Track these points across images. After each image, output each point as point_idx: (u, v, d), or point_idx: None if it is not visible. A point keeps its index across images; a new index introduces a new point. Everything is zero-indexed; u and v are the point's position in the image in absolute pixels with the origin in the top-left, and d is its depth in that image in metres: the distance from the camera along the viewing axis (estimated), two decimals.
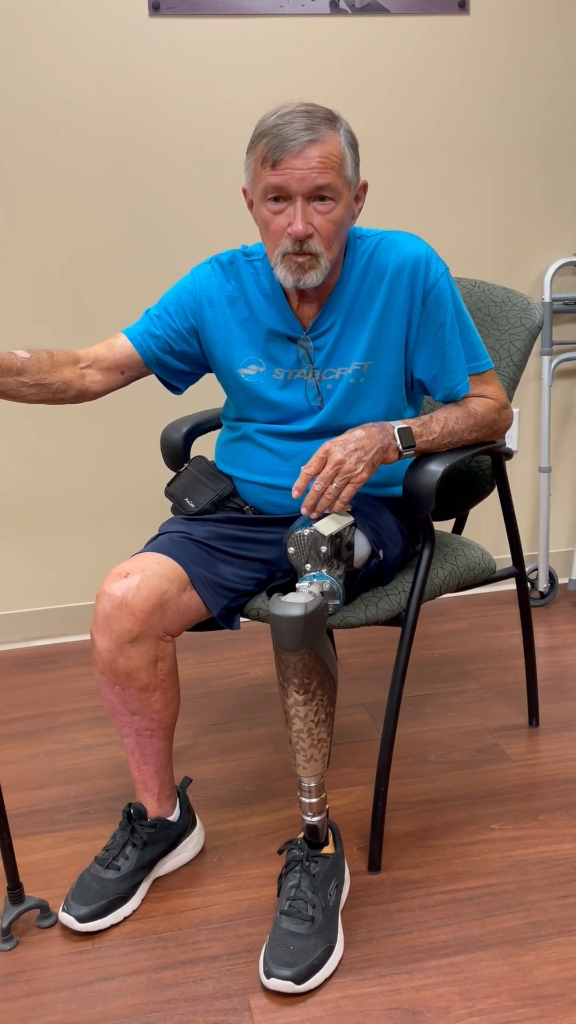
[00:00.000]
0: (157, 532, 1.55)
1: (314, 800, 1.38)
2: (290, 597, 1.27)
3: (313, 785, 1.36)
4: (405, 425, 1.41)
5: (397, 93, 2.26)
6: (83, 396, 1.53)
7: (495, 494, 1.75)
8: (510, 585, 2.48)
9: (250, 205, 1.46)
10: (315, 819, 1.40)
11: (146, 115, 2.17)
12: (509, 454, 1.68)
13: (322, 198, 1.36)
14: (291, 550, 1.36)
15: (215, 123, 2.20)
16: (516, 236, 2.42)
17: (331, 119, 1.36)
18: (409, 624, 1.49)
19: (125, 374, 1.57)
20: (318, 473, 1.34)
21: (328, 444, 1.35)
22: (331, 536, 1.34)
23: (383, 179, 2.27)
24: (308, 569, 1.35)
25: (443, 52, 2.25)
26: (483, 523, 2.45)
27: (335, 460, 1.33)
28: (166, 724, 1.48)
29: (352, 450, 1.34)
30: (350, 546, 1.40)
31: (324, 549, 1.34)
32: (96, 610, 1.39)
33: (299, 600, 1.26)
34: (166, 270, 2.22)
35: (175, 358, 1.58)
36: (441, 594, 1.59)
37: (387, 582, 1.52)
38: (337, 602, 1.35)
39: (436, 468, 1.43)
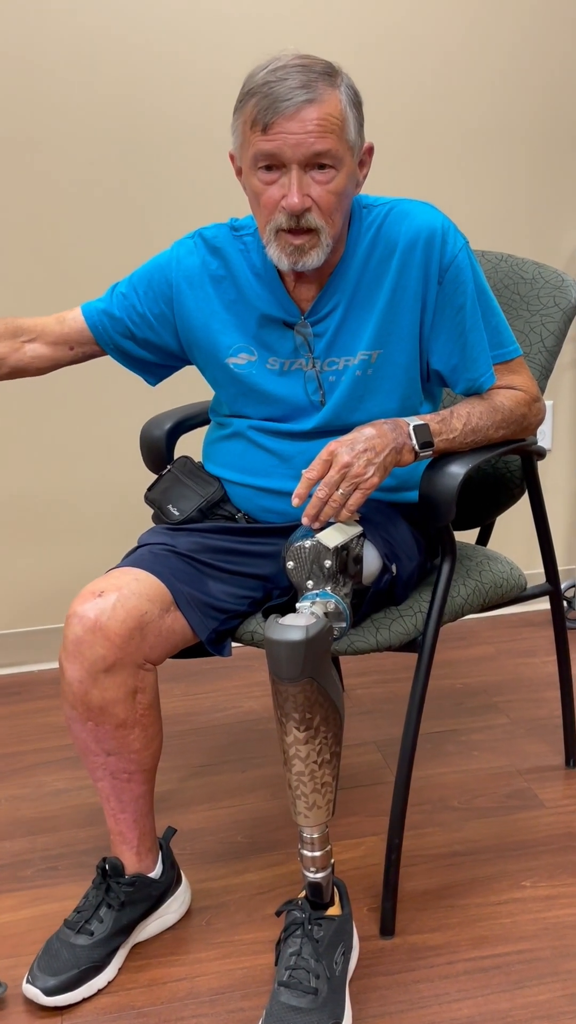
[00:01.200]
0: (136, 544, 1.55)
1: (317, 853, 1.37)
2: (289, 619, 1.27)
3: (316, 836, 1.36)
4: (422, 422, 1.41)
5: (407, 46, 2.27)
6: (21, 372, 1.55)
7: (525, 499, 1.75)
8: (543, 604, 2.48)
9: (238, 172, 1.46)
10: (319, 875, 1.39)
11: (113, 69, 2.18)
12: (541, 453, 1.68)
13: (321, 166, 1.35)
14: (290, 565, 1.35)
15: (194, 79, 2.20)
16: (545, 204, 2.43)
17: (330, 74, 1.35)
18: (427, 650, 1.48)
19: (75, 350, 1.58)
20: (322, 477, 1.34)
21: (333, 444, 1.35)
22: (336, 548, 1.33)
23: (389, 141, 2.28)
24: (310, 587, 1.35)
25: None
26: (512, 533, 2.45)
27: (341, 463, 1.33)
28: (146, 766, 1.47)
29: (361, 451, 1.34)
30: (358, 560, 1.40)
31: (328, 563, 1.33)
32: (66, 634, 1.39)
33: (299, 623, 1.26)
34: (139, 240, 2.23)
35: (137, 345, 1.59)
36: (464, 615, 1.58)
37: (401, 601, 1.52)
38: (343, 624, 1.35)
39: (457, 470, 1.43)
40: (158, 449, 1.77)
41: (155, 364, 1.63)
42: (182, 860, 1.72)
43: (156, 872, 1.54)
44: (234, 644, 1.54)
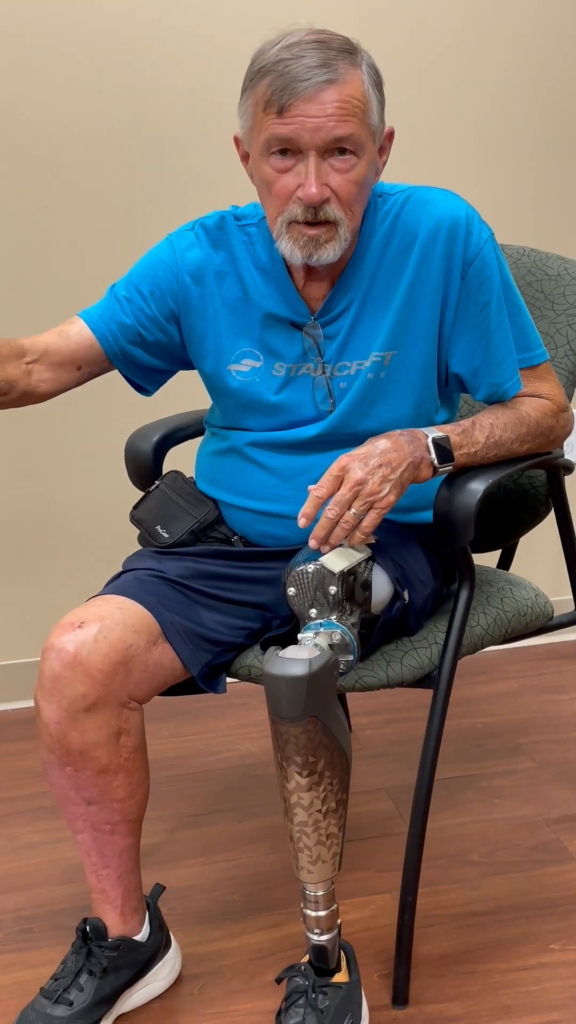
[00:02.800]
0: (120, 570, 1.56)
1: (322, 913, 1.37)
2: (290, 652, 1.27)
3: (321, 894, 1.36)
4: (441, 433, 1.41)
5: (432, 24, 2.29)
6: (28, 398, 1.53)
7: (551, 518, 1.76)
8: (572, 635, 2.48)
9: (244, 158, 1.46)
10: (324, 938, 1.39)
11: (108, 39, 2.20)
12: (569, 467, 1.69)
13: (342, 151, 1.36)
14: (292, 591, 1.36)
15: (195, 53, 2.23)
16: (567, 193, 2.44)
17: (350, 51, 1.36)
18: (443, 686, 1.49)
19: (82, 370, 1.57)
20: (332, 495, 1.34)
21: (345, 458, 1.35)
22: (342, 573, 1.34)
23: (406, 126, 2.30)
24: (313, 616, 1.35)
25: None
26: (536, 555, 2.45)
27: (355, 479, 1.32)
28: (131, 816, 1.47)
29: (375, 466, 1.34)
30: (367, 586, 1.40)
31: (334, 590, 1.34)
32: (42, 670, 1.39)
33: (301, 655, 1.26)
34: (134, 232, 2.25)
35: (147, 351, 1.59)
36: (483, 647, 1.59)
37: (414, 632, 1.52)
38: (351, 658, 1.35)
39: (476, 486, 1.43)
40: (145, 463, 1.76)
41: (160, 371, 1.62)
42: (171, 921, 1.71)
43: (142, 935, 1.54)
44: (229, 679, 1.54)
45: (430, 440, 1.40)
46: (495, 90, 2.37)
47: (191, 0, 2.21)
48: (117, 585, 1.48)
